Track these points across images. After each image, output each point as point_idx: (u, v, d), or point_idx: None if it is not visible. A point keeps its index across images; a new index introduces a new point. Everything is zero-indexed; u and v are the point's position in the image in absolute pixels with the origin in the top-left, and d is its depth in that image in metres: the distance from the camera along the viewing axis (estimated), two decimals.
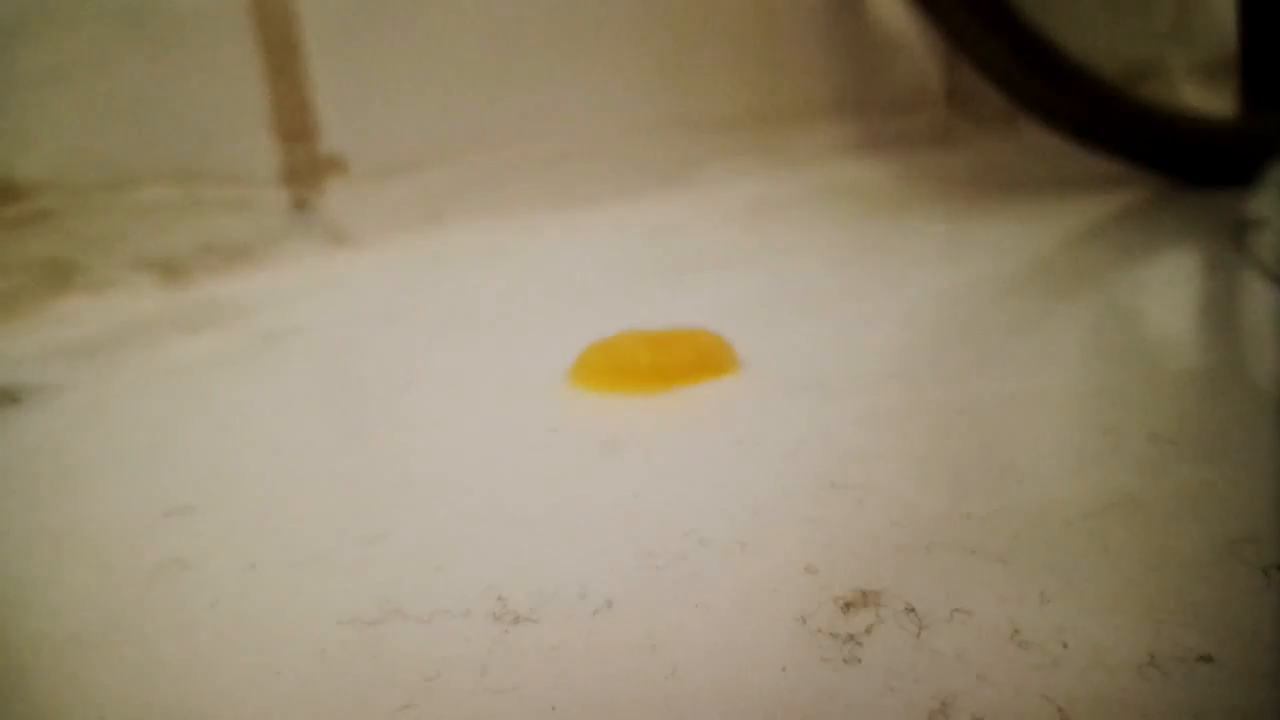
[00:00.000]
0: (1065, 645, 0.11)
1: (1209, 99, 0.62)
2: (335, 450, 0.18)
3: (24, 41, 0.26)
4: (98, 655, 0.12)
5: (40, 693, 0.11)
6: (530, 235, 0.34)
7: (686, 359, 0.20)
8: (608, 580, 0.13)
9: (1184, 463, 0.15)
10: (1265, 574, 0.12)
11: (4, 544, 0.15)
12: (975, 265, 0.28)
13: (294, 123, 0.31)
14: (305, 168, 0.31)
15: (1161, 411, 0.17)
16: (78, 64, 0.27)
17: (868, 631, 0.11)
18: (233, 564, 0.14)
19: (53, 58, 0.26)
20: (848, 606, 0.12)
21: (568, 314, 0.23)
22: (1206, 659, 0.11)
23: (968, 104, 0.52)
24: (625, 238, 0.32)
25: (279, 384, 0.21)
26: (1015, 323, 0.23)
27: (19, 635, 0.12)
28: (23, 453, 0.18)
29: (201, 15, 0.29)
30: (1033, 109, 0.37)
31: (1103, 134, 0.36)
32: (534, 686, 0.11)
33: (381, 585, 0.13)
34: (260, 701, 0.11)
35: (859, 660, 0.11)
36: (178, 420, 0.19)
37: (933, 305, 0.24)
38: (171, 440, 0.18)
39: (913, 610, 0.12)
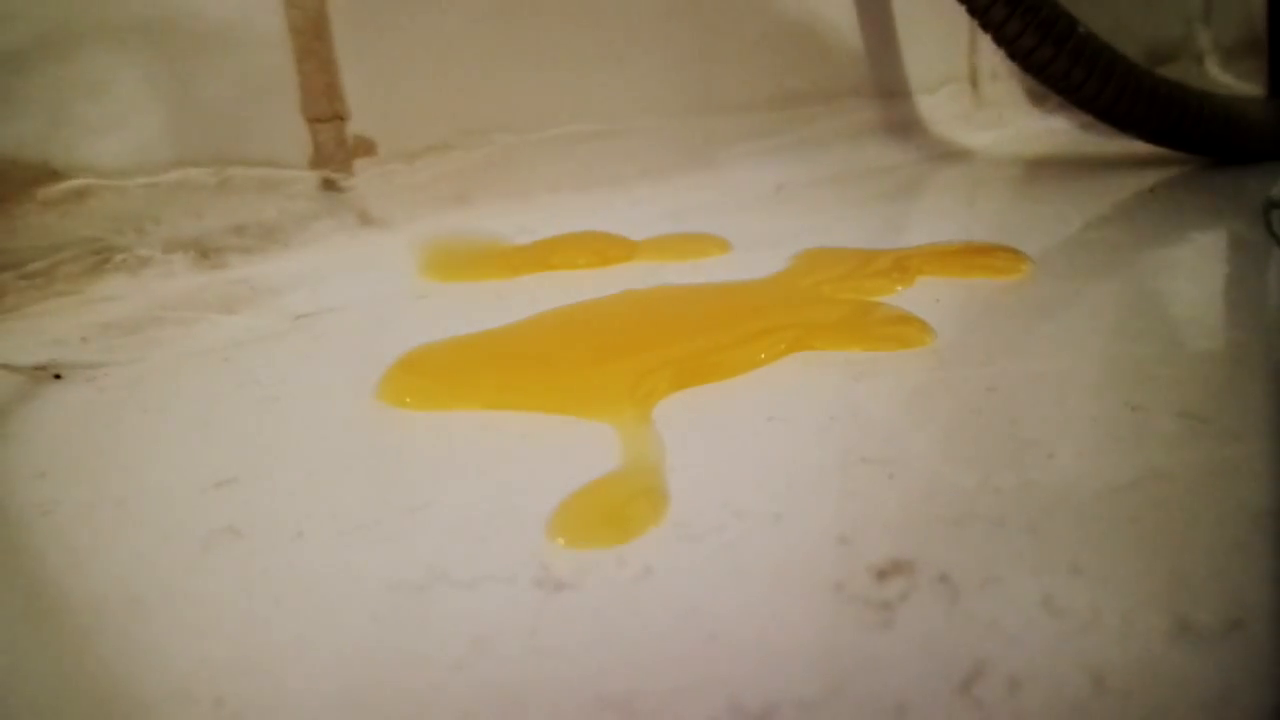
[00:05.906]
0: (1097, 613, 0.11)
1: (1236, 79, 0.61)
2: (373, 424, 0.18)
3: (60, 45, 0.26)
4: (158, 618, 0.12)
5: (103, 651, 0.12)
6: (556, 216, 0.34)
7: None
8: (645, 550, 0.13)
9: (1212, 439, 0.15)
10: None
11: (60, 513, 0.15)
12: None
13: (322, 105, 0.31)
14: (334, 150, 0.32)
15: (1190, 389, 0.17)
16: (116, 58, 0.27)
17: (902, 599, 0.12)
18: (282, 533, 0.14)
19: (95, 59, 0.27)
20: (881, 575, 0.12)
21: (591, 292, 0.24)
22: (1235, 627, 0.11)
23: (992, 85, 0.51)
24: (650, 219, 0.32)
25: (313, 361, 0.22)
26: (1043, 302, 0.23)
27: (80, 598, 0.13)
28: (70, 427, 0.19)
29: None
30: (1059, 89, 0.36)
31: (1129, 114, 0.36)
32: (579, 649, 0.11)
33: (427, 553, 0.13)
34: (316, 660, 0.11)
35: (894, 625, 0.11)
36: (216, 396, 0.20)
37: (960, 285, 0.24)
38: (212, 415, 0.19)
39: (946, 579, 0.12)
